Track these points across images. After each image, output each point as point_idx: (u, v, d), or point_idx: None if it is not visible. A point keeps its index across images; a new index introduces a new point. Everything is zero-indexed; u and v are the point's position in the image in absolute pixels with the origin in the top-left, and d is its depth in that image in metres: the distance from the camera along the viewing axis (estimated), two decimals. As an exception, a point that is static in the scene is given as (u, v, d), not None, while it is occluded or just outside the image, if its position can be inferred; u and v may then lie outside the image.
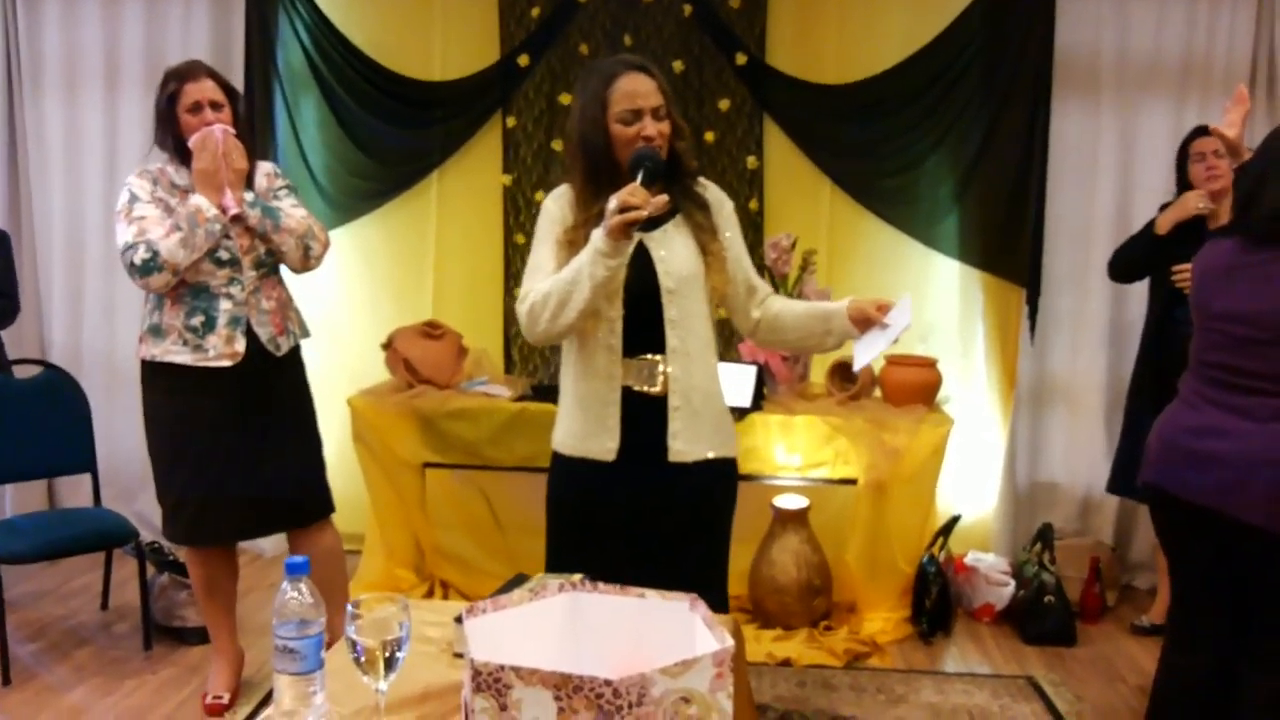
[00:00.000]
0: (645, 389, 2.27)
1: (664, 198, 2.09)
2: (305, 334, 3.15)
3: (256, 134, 4.36)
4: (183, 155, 2.96)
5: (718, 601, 2.27)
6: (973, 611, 4.02)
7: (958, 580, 4.05)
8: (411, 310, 4.44)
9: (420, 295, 4.55)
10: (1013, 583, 3.99)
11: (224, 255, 2.92)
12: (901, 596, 3.90)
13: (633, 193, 2.04)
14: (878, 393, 4.04)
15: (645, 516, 2.29)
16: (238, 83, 4.40)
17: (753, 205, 4.32)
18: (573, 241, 2.20)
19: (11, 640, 3.46)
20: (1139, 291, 3.92)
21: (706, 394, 2.32)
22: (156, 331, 2.94)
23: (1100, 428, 4.32)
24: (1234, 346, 2.29)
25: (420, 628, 1.84)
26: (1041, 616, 3.83)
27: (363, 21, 4.44)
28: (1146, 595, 4.17)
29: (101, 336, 4.66)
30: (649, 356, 2.27)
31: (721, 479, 2.39)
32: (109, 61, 4.57)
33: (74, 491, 4.52)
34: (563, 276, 2.16)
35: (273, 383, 3.03)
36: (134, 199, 2.93)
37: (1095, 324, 4.30)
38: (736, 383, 3.86)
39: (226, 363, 2.91)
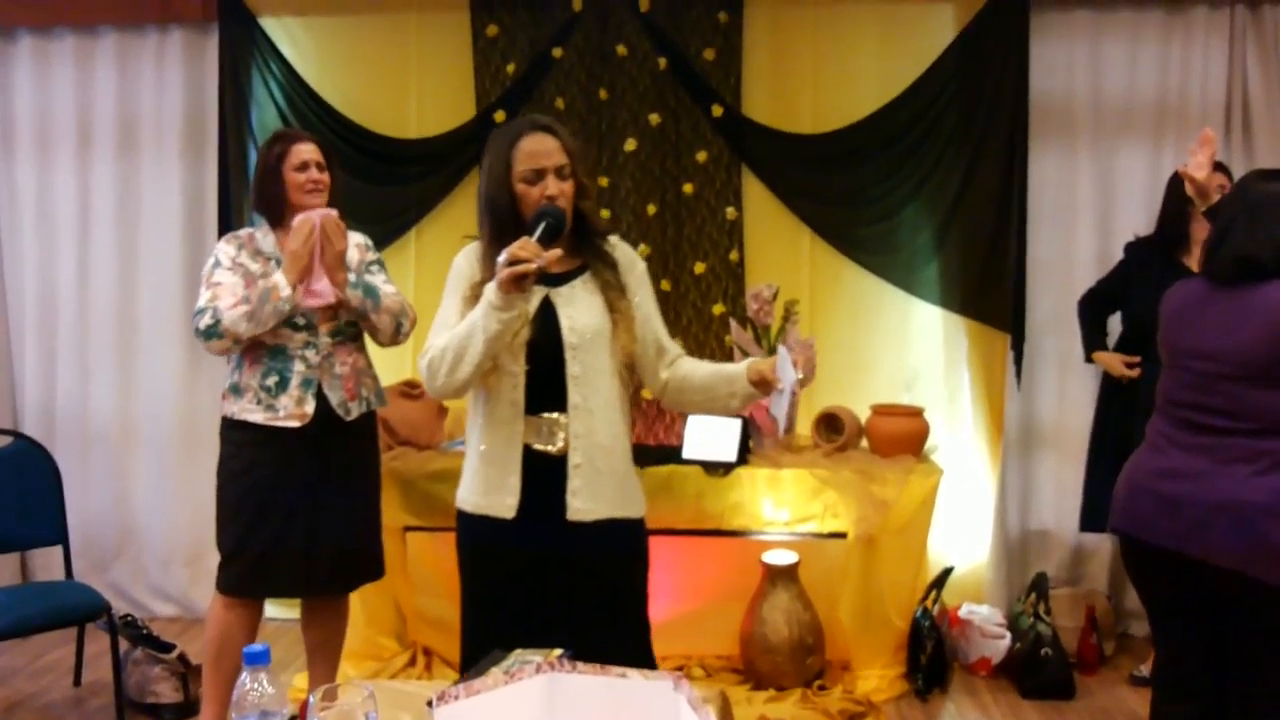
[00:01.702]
0: (545, 448, 2.26)
1: (556, 252, 2.10)
2: (381, 402, 3.24)
3: (233, 195, 4.33)
4: (278, 216, 3.09)
5: (643, 665, 2.22)
6: (969, 665, 3.94)
7: (952, 634, 3.97)
8: (390, 370, 4.36)
9: (399, 354, 4.46)
10: (1009, 635, 3.91)
11: (300, 320, 3.01)
12: (896, 652, 3.82)
13: (522, 246, 2.06)
14: (865, 443, 3.99)
15: (547, 575, 2.27)
16: (212, 143, 4.43)
17: (733, 256, 4.29)
18: (478, 297, 2.20)
19: (-21, 722, 3.35)
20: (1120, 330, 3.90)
21: (609, 452, 2.29)
22: (236, 390, 3.05)
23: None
24: (1200, 384, 2.34)
25: (393, 711, 1.77)
26: (1039, 669, 3.75)
27: (337, 80, 4.42)
28: (1144, 643, 4.09)
29: (75, 401, 4.58)
30: (550, 415, 2.25)
31: (625, 538, 2.35)
32: (81, 123, 4.53)
33: (46, 562, 4.43)
34: (459, 331, 2.17)
35: (340, 446, 3.09)
36: (216, 264, 3.06)
37: (1081, 366, 4.24)
38: (722, 436, 3.81)
39: (295, 423, 3.00)
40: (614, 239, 2.40)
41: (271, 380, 3.00)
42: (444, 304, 2.33)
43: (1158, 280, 3.59)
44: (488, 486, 2.29)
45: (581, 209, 2.30)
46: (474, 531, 2.34)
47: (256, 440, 3.03)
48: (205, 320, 2.95)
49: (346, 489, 3.12)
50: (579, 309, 2.27)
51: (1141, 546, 2.43)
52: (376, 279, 3.17)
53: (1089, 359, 3.86)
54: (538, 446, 2.25)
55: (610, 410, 2.29)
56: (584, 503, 2.26)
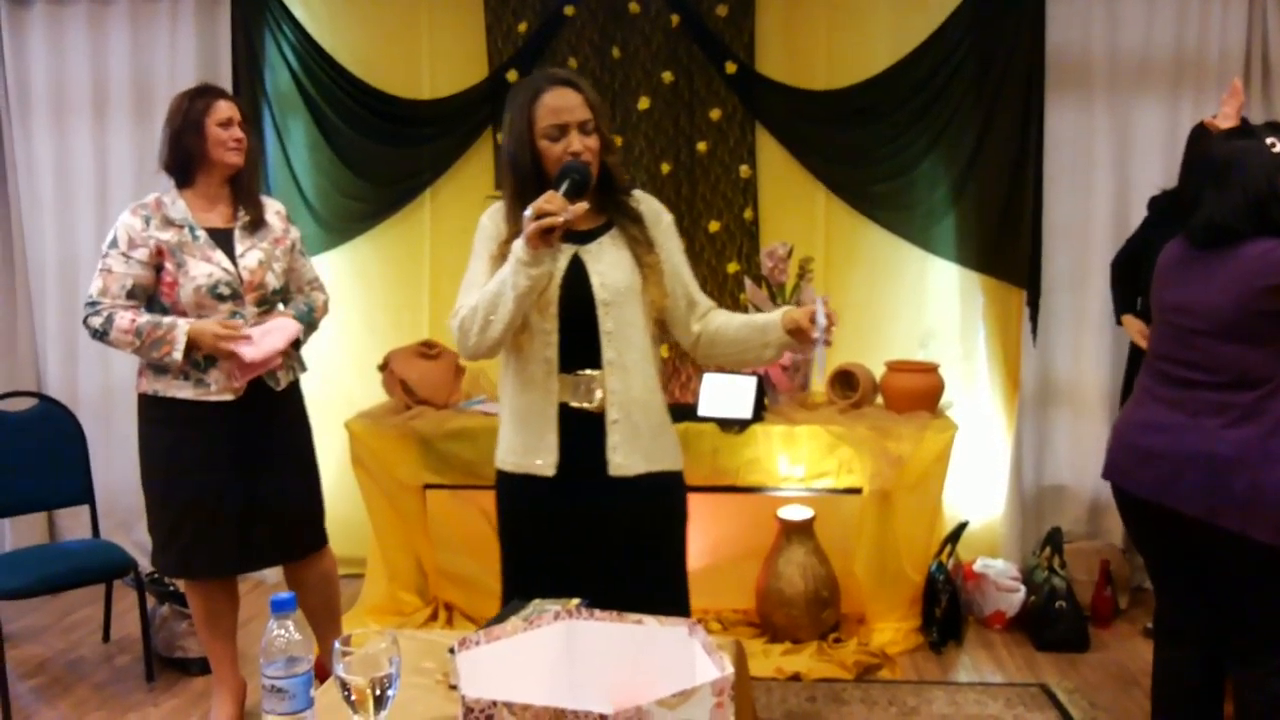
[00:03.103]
0: (582, 404, 2.25)
1: (582, 205, 2.07)
2: (303, 368, 3.18)
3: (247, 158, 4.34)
4: (191, 173, 2.97)
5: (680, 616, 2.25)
6: (983, 619, 3.97)
7: (967, 588, 4.00)
8: (408, 330, 4.41)
9: (416, 315, 4.52)
10: (1023, 589, 3.94)
11: (225, 291, 2.93)
12: (911, 606, 3.85)
13: (548, 200, 2.03)
14: (880, 400, 4.00)
15: (590, 531, 2.28)
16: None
17: (747, 214, 4.29)
18: (504, 256, 2.18)
19: (11, 677, 3.42)
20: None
21: (646, 407, 2.29)
22: (157, 367, 2.93)
23: (1105, 427, 4.26)
24: (1178, 338, 2.41)
25: (415, 659, 1.81)
26: (1053, 622, 3.78)
27: (350, 42, 4.42)
28: (1158, 596, 4.12)
29: (96, 367, 4.63)
30: (586, 371, 2.24)
31: (665, 492, 2.36)
32: (96, 89, 4.55)
33: (73, 523, 4.49)
34: (488, 289, 2.15)
35: (272, 417, 3.05)
36: (114, 244, 2.94)
37: (1097, 322, 4.26)
38: (737, 394, 3.83)
39: (228, 397, 2.94)
40: (638, 192, 2.38)
41: (199, 354, 2.90)
42: (471, 264, 2.31)
43: (1170, 236, 3.59)
44: (525, 446, 2.28)
45: (606, 164, 2.27)
46: (515, 490, 2.33)
47: (183, 418, 2.94)
48: (96, 323, 2.88)
49: (282, 459, 3.07)
50: (608, 265, 2.25)
51: (1126, 497, 2.52)
52: (307, 261, 3.18)
53: (1119, 321, 3.85)
54: (574, 404, 2.24)
55: (644, 365, 2.29)
56: (624, 458, 2.25)
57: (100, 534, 3.81)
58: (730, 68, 4.23)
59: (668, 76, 4.24)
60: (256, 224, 3.02)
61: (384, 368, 4.02)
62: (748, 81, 4.25)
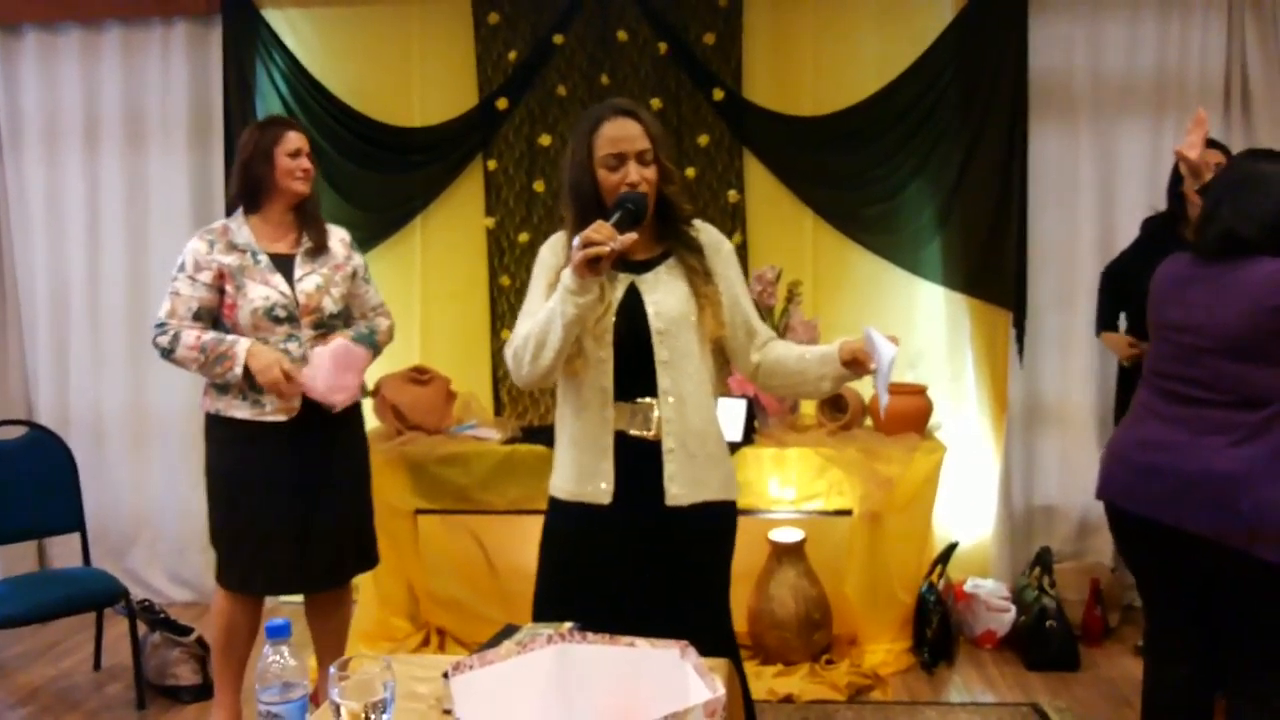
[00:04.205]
0: (639, 433, 2.26)
1: (631, 236, 2.08)
2: (366, 393, 3.25)
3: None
4: (258, 201, 3.08)
5: (724, 645, 2.26)
6: (974, 639, 3.99)
7: (958, 608, 4.02)
8: (399, 356, 4.41)
9: (407, 341, 4.52)
10: (1013, 608, 3.96)
11: (281, 313, 3.01)
12: (902, 627, 3.87)
13: (597, 230, 2.04)
14: (869, 422, 4.03)
15: (642, 560, 2.28)
16: (218, 135, 4.46)
17: (736, 239, 4.32)
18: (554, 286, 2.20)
19: (2, 705, 3.42)
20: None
21: (702, 436, 2.30)
22: (219, 386, 3.02)
23: (1093, 447, 4.29)
24: (1182, 356, 2.40)
25: (409, 684, 1.82)
26: (1044, 642, 3.80)
27: (340, 70, 4.46)
28: (1148, 615, 4.14)
29: (88, 394, 4.63)
30: (642, 400, 2.25)
31: (720, 521, 2.37)
32: (88, 117, 4.57)
33: (64, 550, 4.49)
34: (539, 318, 2.17)
35: (330, 439, 3.09)
36: (181, 268, 3.05)
37: (1084, 343, 4.29)
38: (727, 416, 3.84)
39: (282, 417, 3.00)
40: (698, 222, 2.39)
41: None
42: (530, 293, 2.32)
43: (1161, 257, 3.62)
44: (581, 473, 2.28)
45: (666, 194, 2.28)
46: (570, 518, 2.32)
47: (243, 437, 3.02)
48: (163, 341, 2.99)
49: (337, 481, 3.12)
50: (664, 294, 2.26)
51: (1123, 515, 2.51)
52: (370, 288, 3.21)
53: (1099, 335, 3.88)
54: (632, 432, 2.25)
55: (700, 394, 2.29)
56: (681, 488, 2.26)
57: (91, 562, 3.81)
58: (718, 94, 4.28)
59: (656, 103, 4.29)
60: (319, 250, 3.09)
61: (375, 393, 4.03)
62: (735, 108, 4.30)
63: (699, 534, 2.31)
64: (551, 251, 2.34)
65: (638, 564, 2.28)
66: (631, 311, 2.25)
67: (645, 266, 2.29)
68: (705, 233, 2.38)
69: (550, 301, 2.15)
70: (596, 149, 2.23)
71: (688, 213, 2.35)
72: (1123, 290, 3.75)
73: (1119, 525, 2.57)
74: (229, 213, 3.17)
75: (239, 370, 2.92)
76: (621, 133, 2.22)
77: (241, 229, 3.07)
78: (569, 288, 2.09)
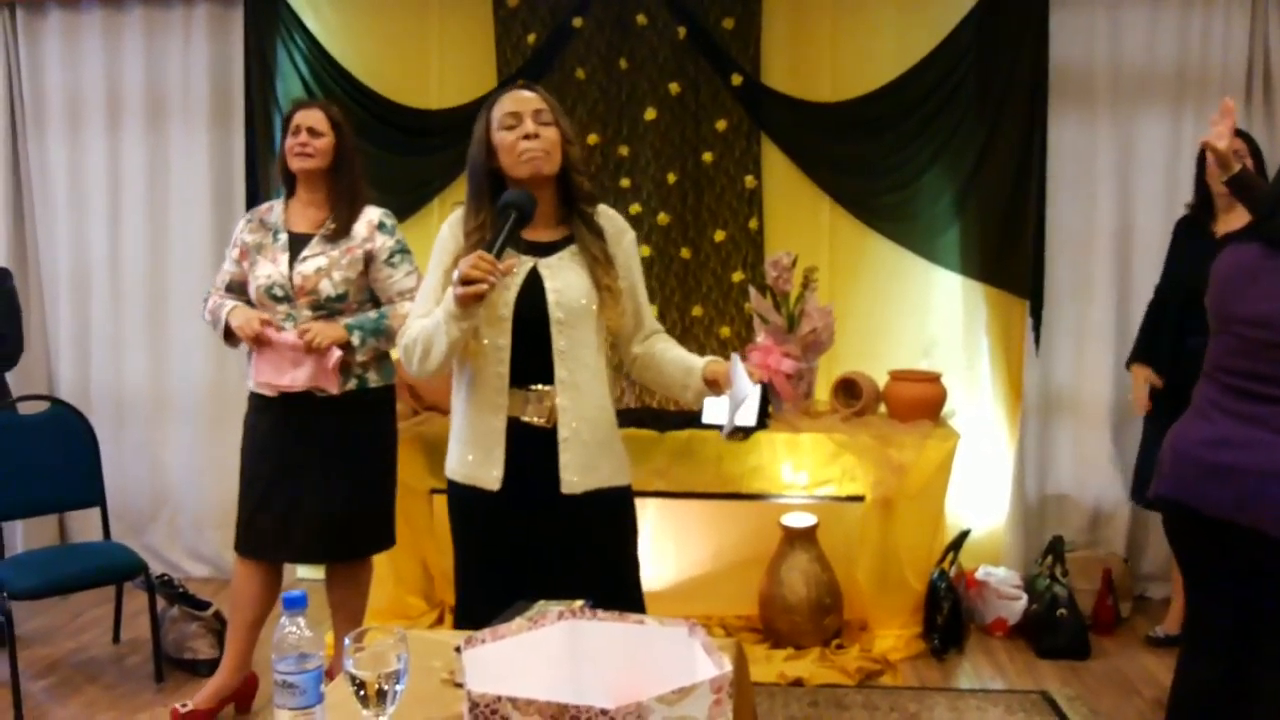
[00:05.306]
0: (533, 420, 2.26)
1: (511, 262, 2.15)
2: (384, 379, 3.19)
3: (260, 167, 4.40)
4: (291, 181, 3.18)
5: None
6: (985, 626, 4.00)
7: (969, 595, 4.03)
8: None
9: (424, 322, 4.55)
10: (1025, 597, 3.97)
11: (278, 293, 3.08)
12: (913, 613, 3.88)
13: (475, 265, 2.05)
14: (882, 409, 4.03)
15: (540, 545, 2.29)
16: (239, 115, 4.48)
17: (752, 224, 4.33)
18: (451, 270, 2.20)
19: (23, 677, 3.45)
20: (1142, 298, 3.92)
21: (596, 423, 2.30)
22: (248, 358, 3.18)
23: (1108, 437, 4.30)
24: (1253, 351, 2.26)
25: (423, 658, 1.84)
26: (1055, 630, 3.80)
27: (360, 51, 4.48)
28: (1160, 606, 4.14)
29: (109, 371, 4.69)
30: (538, 387, 2.26)
31: (614, 505, 2.37)
32: (110, 97, 4.61)
33: (84, 525, 4.54)
34: (426, 325, 2.21)
35: (325, 420, 3.10)
36: (230, 244, 3.25)
37: (1099, 333, 4.29)
38: (743, 401, 3.85)
39: (268, 392, 3.08)
40: (603, 207, 2.39)
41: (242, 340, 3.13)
42: (428, 274, 2.34)
43: (1188, 252, 3.61)
44: (474, 458, 2.29)
45: (570, 177, 2.29)
46: (463, 500, 2.35)
47: (257, 408, 3.16)
48: (208, 304, 3.22)
49: (329, 462, 3.10)
50: (565, 283, 2.26)
51: (1188, 514, 2.37)
52: (397, 273, 3.12)
53: (1128, 367, 3.83)
54: (525, 419, 2.26)
55: (596, 383, 2.31)
56: (576, 475, 2.27)
57: (111, 536, 3.85)
58: (736, 79, 4.28)
59: (674, 88, 4.29)
60: (341, 232, 3.10)
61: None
62: (753, 93, 4.30)
63: (595, 519, 2.31)
64: (450, 230, 2.32)
65: (537, 550, 2.29)
66: (532, 297, 2.24)
67: (549, 249, 2.28)
68: (608, 219, 2.38)
69: (436, 313, 2.18)
70: (494, 119, 2.25)
71: (587, 190, 2.34)
72: (1160, 321, 3.70)
73: (1182, 525, 2.43)
74: (250, 196, 3.27)
75: (220, 330, 3.13)
76: (518, 98, 2.25)
77: (275, 208, 3.19)
78: (452, 313, 2.11)
